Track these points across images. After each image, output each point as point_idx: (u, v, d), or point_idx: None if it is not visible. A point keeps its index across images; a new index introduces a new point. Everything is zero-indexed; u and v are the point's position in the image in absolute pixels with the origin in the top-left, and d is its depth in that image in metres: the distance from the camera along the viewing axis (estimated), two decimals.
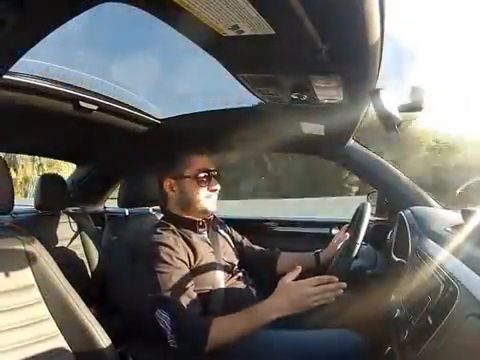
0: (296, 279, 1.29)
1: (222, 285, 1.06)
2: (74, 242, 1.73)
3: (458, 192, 0.94)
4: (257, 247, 1.36)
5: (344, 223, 1.31)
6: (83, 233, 1.78)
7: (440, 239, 0.83)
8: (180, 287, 0.94)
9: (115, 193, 2.09)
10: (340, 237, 1.21)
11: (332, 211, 5.05)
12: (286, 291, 0.88)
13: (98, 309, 1.30)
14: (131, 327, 1.23)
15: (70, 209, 1.84)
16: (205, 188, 1.10)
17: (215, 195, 1.14)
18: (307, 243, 1.41)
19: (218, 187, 1.13)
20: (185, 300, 0.93)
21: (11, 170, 1.05)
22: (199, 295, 0.99)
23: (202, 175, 1.10)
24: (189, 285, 0.96)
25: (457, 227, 0.85)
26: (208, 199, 1.12)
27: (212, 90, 1.45)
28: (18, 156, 9.38)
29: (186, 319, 0.91)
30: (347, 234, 1.18)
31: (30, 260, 0.90)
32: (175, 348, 0.91)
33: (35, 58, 0.89)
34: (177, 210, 1.13)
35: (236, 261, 1.21)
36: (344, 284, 0.85)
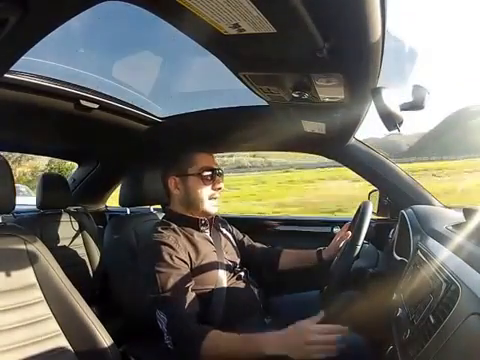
0: (298, 275, 1.28)
1: (224, 284, 1.06)
2: (75, 241, 1.74)
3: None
4: (259, 245, 1.37)
5: (345, 222, 1.31)
6: (84, 232, 1.79)
7: (442, 238, 0.82)
8: (179, 288, 0.94)
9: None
10: (342, 235, 1.21)
11: None
12: (293, 335, 0.81)
13: (99, 308, 1.31)
14: (133, 326, 1.23)
15: (71, 208, 1.85)
16: (209, 186, 1.11)
17: (218, 196, 1.14)
18: (308, 242, 1.41)
19: (222, 186, 1.13)
20: (183, 302, 0.92)
21: None
22: (201, 294, 0.99)
23: (206, 173, 1.10)
24: (188, 286, 0.96)
25: (459, 226, 0.85)
26: (210, 201, 1.11)
27: (214, 88, 1.44)
28: None
29: (181, 322, 0.90)
30: (349, 232, 1.18)
31: (32, 259, 0.90)
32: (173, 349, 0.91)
33: (36, 57, 0.89)
34: (180, 209, 1.13)
35: (238, 260, 1.21)
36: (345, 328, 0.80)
